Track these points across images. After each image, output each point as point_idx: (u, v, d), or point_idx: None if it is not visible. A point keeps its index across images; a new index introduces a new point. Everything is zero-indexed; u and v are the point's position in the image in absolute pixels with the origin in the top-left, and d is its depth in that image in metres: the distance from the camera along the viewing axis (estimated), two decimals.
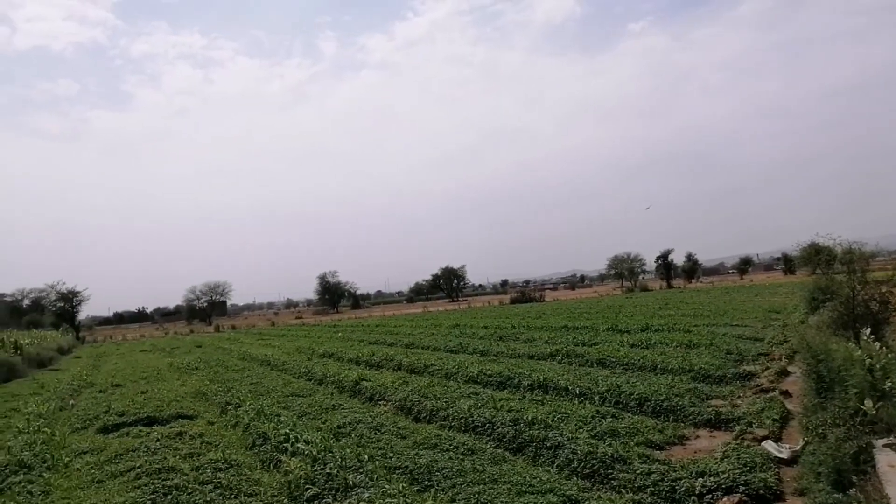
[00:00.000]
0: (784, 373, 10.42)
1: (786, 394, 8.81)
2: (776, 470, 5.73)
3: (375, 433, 8.26)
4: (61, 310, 65.66)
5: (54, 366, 26.21)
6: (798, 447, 6.16)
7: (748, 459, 5.86)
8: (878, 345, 7.45)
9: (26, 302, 76.73)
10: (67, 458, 8.14)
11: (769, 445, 6.35)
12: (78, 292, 66.15)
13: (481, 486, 5.83)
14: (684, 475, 5.63)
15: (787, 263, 76.31)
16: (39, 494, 6.43)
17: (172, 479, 6.51)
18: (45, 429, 9.59)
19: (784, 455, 6.07)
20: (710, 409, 8.14)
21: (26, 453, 7.93)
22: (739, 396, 8.99)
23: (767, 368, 10.76)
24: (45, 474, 7.23)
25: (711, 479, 5.48)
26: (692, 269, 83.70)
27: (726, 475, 5.50)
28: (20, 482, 6.81)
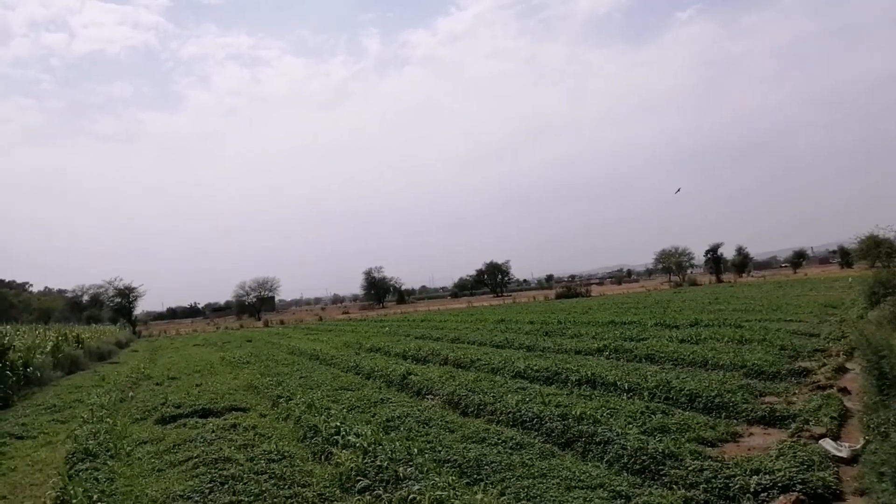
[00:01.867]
0: (842, 369, 10.08)
1: (844, 391, 8.53)
2: (835, 469, 5.57)
3: (424, 427, 8.35)
4: (119, 305, 68.50)
5: (113, 359, 27.25)
6: (858, 446, 5.98)
7: (805, 458, 5.71)
8: None
9: (86, 298, 79.88)
10: (129, 448, 8.49)
11: (827, 444, 6.18)
12: (134, 288, 68.93)
13: (530, 481, 5.85)
14: (738, 473, 5.52)
15: (843, 256, 73.49)
16: (105, 481, 6.70)
17: (228, 469, 6.72)
18: (108, 419, 10.01)
19: (843, 454, 5.90)
20: (764, 405, 7.95)
21: (91, 442, 8.28)
22: (795, 393, 8.76)
23: (824, 365, 10.43)
24: (109, 462, 7.53)
25: (767, 477, 5.36)
26: (743, 262, 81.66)
27: (782, 473, 5.37)
28: (87, 469, 7.12)
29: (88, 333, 30.27)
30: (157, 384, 15.33)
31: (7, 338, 15.67)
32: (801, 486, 5.16)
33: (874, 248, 46.22)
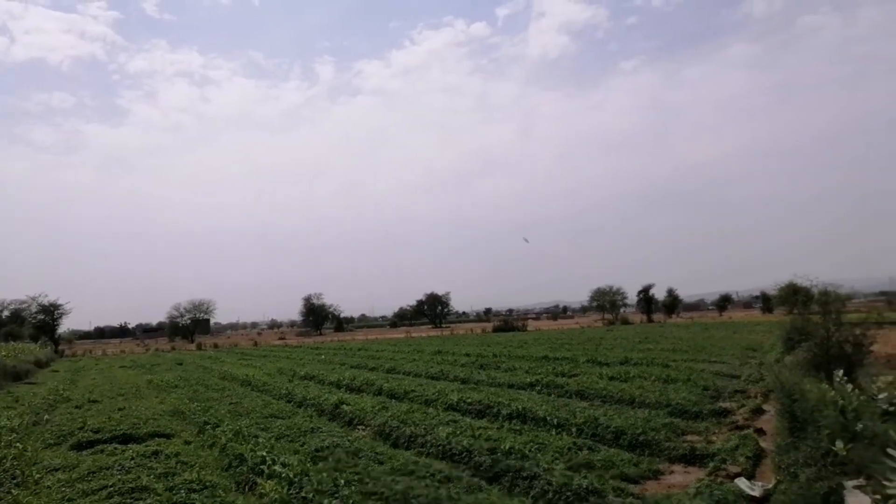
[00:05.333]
0: (759, 411, 10.55)
1: (760, 432, 8.92)
2: None
3: (353, 458, 8.23)
4: (41, 322, 65.10)
5: (31, 379, 25.68)
6: (770, 485, 6.25)
7: (721, 496, 5.94)
8: (850, 386, 7.63)
9: (6, 313, 75.05)
10: (38, 475, 8.00)
11: (742, 483, 6.44)
12: (59, 305, 65.82)
13: None
14: None
15: (765, 302, 77.39)
16: None
17: (145, 500, 6.47)
18: (17, 444, 9.41)
19: (756, 493, 6.15)
20: (686, 444, 8.23)
21: None
22: (715, 433, 9.10)
23: (743, 406, 10.91)
24: (13, 491, 7.11)
25: None
26: (672, 303, 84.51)
27: None
28: None
29: (5, 351, 28.55)
30: (76, 407, 14.57)
31: None
32: None
33: (792, 295, 48.99)
